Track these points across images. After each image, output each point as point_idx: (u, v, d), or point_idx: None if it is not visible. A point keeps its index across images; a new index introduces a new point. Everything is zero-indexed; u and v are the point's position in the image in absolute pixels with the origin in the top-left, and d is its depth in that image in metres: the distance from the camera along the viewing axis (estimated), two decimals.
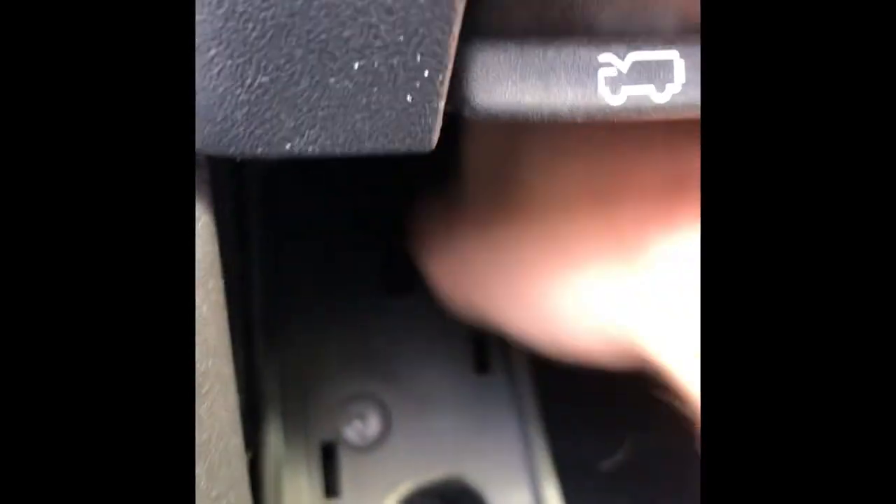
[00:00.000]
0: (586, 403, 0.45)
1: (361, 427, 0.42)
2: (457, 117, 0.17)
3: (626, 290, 0.24)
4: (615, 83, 0.17)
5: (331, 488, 0.40)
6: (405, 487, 0.41)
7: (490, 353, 0.44)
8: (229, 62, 0.14)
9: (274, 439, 0.39)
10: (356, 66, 0.14)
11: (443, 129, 0.16)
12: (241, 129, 0.15)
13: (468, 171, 0.29)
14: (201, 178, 0.17)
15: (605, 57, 0.17)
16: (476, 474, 0.42)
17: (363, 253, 0.44)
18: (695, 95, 0.17)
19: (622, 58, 0.17)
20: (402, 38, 0.14)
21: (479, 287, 0.29)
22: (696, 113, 0.18)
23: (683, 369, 0.23)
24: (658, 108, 0.17)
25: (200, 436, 0.17)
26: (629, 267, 0.24)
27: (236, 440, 0.18)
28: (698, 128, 0.16)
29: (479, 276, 0.29)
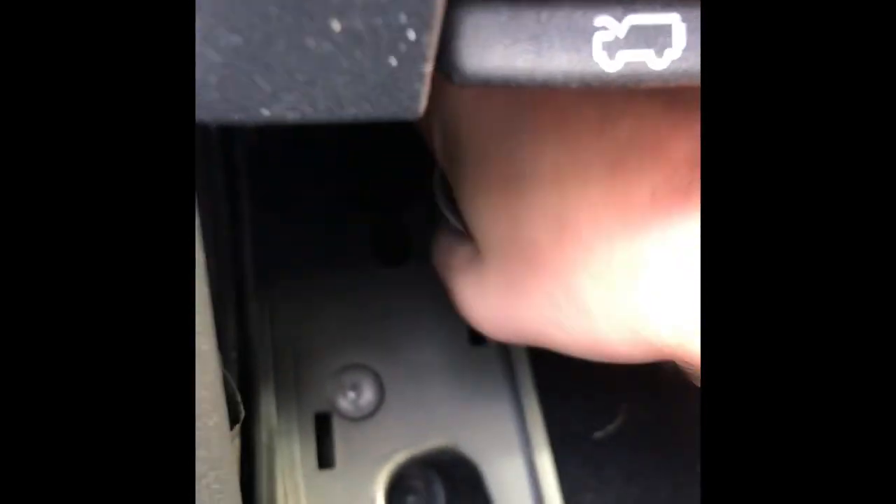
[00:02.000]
0: (579, 374, 0.45)
1: (355, 397, 0.42)
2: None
3: (640, 277, 0.23)
4: (612, 48, 0.16)
5: (324, 459, 0.40)
6: (399, 457, 0.41)
7: None
8: (199, 22, 0.13)
9: (267, 410, 0.39)
10: (336, 25, 0.13)
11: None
12: (215, 93, 0.14)
13: (469, 145, 0.28)
14: None
15: (602, 20, 0.16)
16: (470, 444, 0.42)
17: (356, 224, 0.43)
18: (696, 61, 0.17)
19: (619, 21, 0.16)
20: None
21: (508, 315, 0.28)
22: (697, 80, 0.17)
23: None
24: (657, 74, 0.16)
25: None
26: (641, 251, 0.23)
27: (217, 418, 0.18)
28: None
29: (507, 307, 0.27)
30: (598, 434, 0.47)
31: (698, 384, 0.23)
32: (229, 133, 0.38)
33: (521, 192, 0.25)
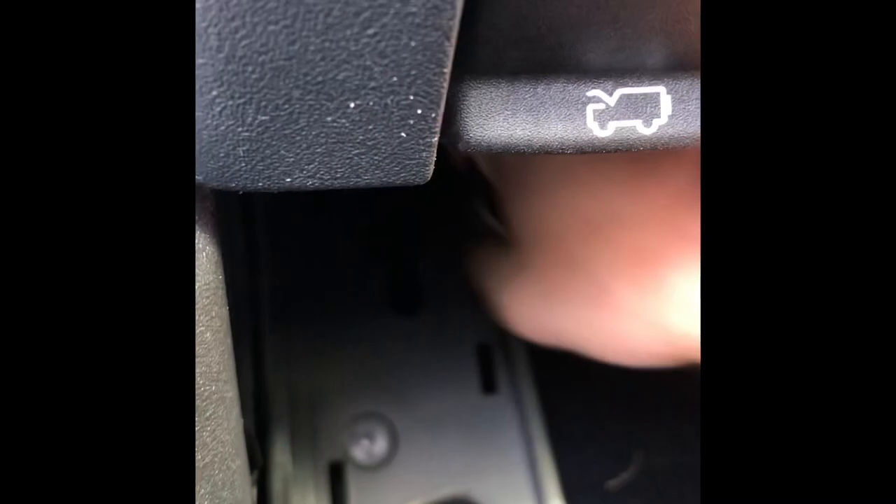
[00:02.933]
0: (592, 423, 0.46)
1: (369, 446, 0.42)
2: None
3: (665, 276, 0.24)
4: (603, 117, 0.17)
5: None
6: None
7: (496, 373, 0.45)
8: (230, 102, 0.15)
9: (282, 458, 0.40)
10: (352, 105, 0.15)
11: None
12: (243, 164, 0.16)
13: (501, 196, 0.30)
14: (206, 209, 0.18)
15: (594, 92, 0.17)
16: (483, 493, 0.42)
17: (371, 273, 0.45)
18: (681, 128, 0.18)
19: (610, 93, 0.17)
20: (395, 79, 0.14)
21: (548, 317, 0.29)
22: (682, 144, 0.18)
23: None
24: (645, 139, 0.18)
25: (203, 459, 0.17)
26: (665, 249, 0.24)
27: (239, 462, 0.19)
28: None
29: (546, 306, 0.29)
30: (612, 482, 0.47)
31: None
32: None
33: (554, 197, 0.26)
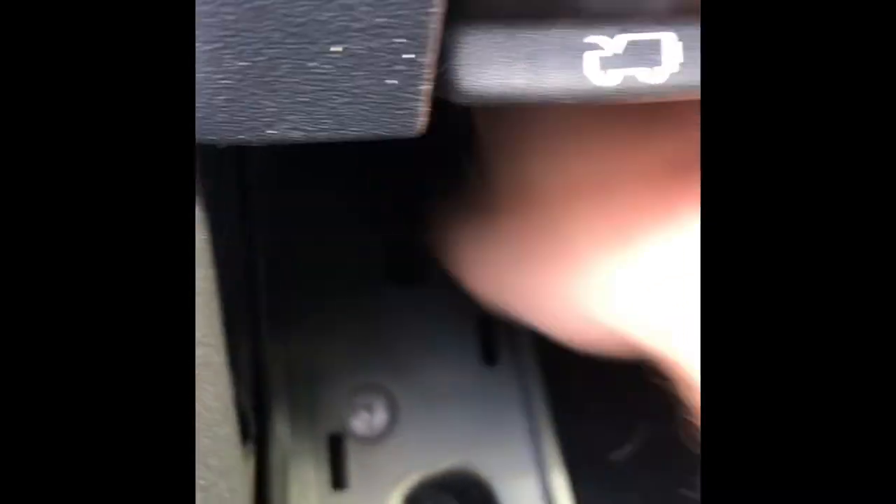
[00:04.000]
0: (595, 394, 0.45)
1: (369, 418, 0.42)
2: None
3: (625, 281, 0.24)
4: (606, 65, 0.16)
5: (338, 480, 0.40)
6: (413, 479, 0.41)
7: (498, 344, 0.44)
8: (207, 47, 0.14)
9: (281, 431, 0.39)
10: (336, 49, 0.14)
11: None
12: (223, 115, 0.15)
13: (481, 163, 0.29)
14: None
15: (595, 38, 0.16)
16: (484, 465, 0.42)
17: (369, 243, 0.44)
18: (692, 76, 0.17)
19: (612, 38, 0.16)
20: (381, 19, 0.13)
21: (494, 278, 0.30)
22: (693, 94, 0.17)
23: (684, 359, 0.23)
24: (653, 89, 0.17)
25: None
26: (626, 257, 0.23)
27: (228, 430, 0.18)
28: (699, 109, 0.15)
29: (501, 270, 0.29)
30: (615, 455, 0.47)
31: (681, 393, 0.24)
32: (242, 153, 0.39)
33: (545, 156, 0.26)
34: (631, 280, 0.24)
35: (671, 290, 0.23)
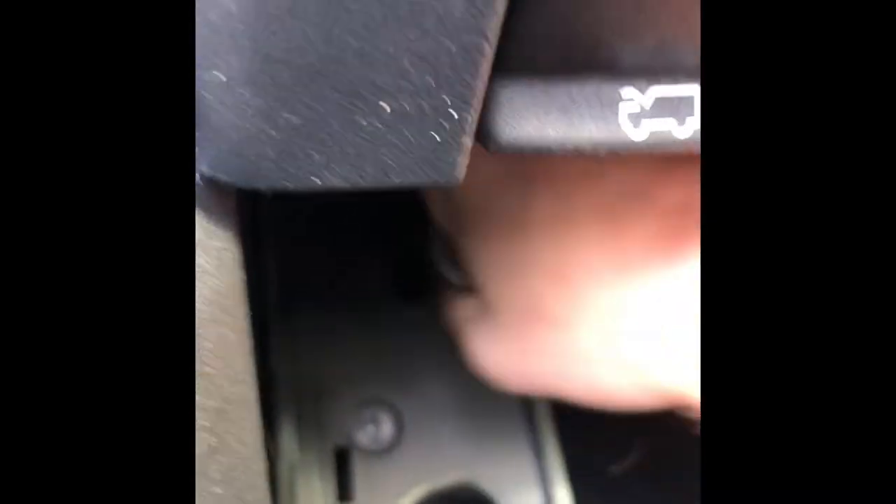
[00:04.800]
0: (595, 409, 0.46)
1: (374, 432, 0.42)
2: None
3: (637, 324, 0.23)
4: (637, 118, 0.17)
5: (344, 493, 0.41)
6: (418, 492, 0.41)
7: None
8: (261, 102, 0.14)
9: (288, 444, 0.40)
10: (386, 107, 0.14)
11: None
12: (272, 164, 0.15)
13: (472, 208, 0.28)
14: (229, 208, 0.17)
15: (628, 92, 0.17)
16: (488, 479, 0.42)
17: (377, 259, 0.44)
18: None
19: (643, 92, 0.17)
20: (431, 81, 0.14)
21: (520, 366, 0.28)
22: None
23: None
24: (680, 142, 0.17)
25: (229, 461, 0.17)
26: (636, 299, 0.23)
27: (259, 465, 0.19)
28: None
29: (516, 358, 0.28)
30: (616, 467, 0.47)
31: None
32: None
33: (520, 246, 0.25)
34: (635, 321, 0.23)
35: (678, 329, 0.23)
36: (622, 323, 0.24)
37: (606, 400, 0.26)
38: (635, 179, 0.24)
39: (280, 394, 0.41)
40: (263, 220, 0.43)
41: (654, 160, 0.23)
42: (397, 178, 0.16)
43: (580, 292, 0.24)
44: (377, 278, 0.44)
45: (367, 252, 0.44)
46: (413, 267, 0.45)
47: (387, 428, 0.43)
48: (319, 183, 0.16)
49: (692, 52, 0.16)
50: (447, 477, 0.42)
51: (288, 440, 0.40)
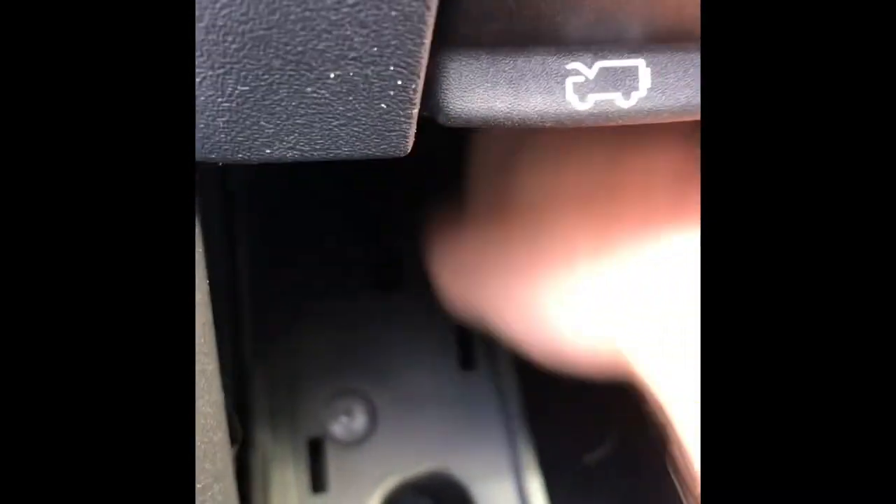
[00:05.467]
0: (569, 399, 0.46)
1: (348, 422, 0.42)
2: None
3: (609, 296, 0.24)
4: (582, 90, 0.17)
5: (318, 483, 0.41)
6: (391, 482, 0.41)
7: (475, 350, 0.45)
8: (210, 73, 0.14)
9: (262, 435, 0.40)
10: (332, 75, 0.15)
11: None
12: (223, 135, 0.15)
13: (470, 178, 0.30)
14: None
15: (573, 65, 0.17)
16: (461, 468, 0.43)
17: (350, 250, 0.44)
18: (659, 101, 0.18)
19: (589, 66, 0.17)
20: (375, 49, 0.14)
21: (475, 289, 0.30)
22: (660, 118, 0.18)
23: (650, 376, 0.23)
24: (624, 113, 0.18)
25: None
26: (611, 271, 0.24)
27: (220, 435, 0.19)
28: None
29: (475, 279, 0.30)
30: (588, 458, 0.48)
31: (652, 408, 0.24)
32: (226, 166, 0.39)
33: (541, 169, 0.27)
34: (598, 293, 0.24)
35: (653, 306, 0.23)
36: (588, 295, 0.24)
37: (558, 359, 0.27)
38: (616, 161, 0.24)
39: (253, 384, 0.41)
40: (237, 211, 0.43)
41: (637, 139, 0.24)
42: (346, 148, 0.16)
43: (553, 265, 0.25)
44: (352, 269, 0.44)
45: (342, 243, 0.45)
46: (388, 258, 0.45)
47: (360, 418, 0.43)
48: (270, 153, 0.16)
49: (634, 24, 0.17)
50: (420, 466, 0.42)
51: (261, 430, 0.40)
